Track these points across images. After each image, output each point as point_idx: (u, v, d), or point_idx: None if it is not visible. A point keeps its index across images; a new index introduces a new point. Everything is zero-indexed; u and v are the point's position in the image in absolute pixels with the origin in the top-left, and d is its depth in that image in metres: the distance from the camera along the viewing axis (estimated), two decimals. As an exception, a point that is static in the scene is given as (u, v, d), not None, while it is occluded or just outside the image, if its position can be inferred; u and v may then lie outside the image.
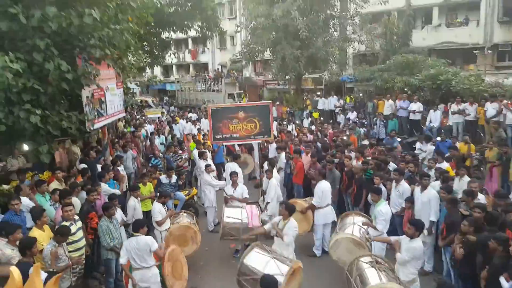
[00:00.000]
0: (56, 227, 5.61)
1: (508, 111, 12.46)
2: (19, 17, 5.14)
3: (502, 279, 4.45)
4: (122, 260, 5.31)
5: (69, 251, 5.35)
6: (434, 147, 10.57)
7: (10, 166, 7.35)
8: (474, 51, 21.11)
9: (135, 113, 21.93)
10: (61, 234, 5.14)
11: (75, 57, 6.72)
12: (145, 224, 5.60)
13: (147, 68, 20.25)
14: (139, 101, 29.31)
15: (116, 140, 11.64)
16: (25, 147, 6.91)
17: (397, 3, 22.84)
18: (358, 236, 6.30)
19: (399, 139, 12.61)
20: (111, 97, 9.87)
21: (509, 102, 12.61)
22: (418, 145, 11.41)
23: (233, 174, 7.98)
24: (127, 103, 14.42)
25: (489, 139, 12.36)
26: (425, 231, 6.45)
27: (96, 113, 8.54)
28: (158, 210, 6.79)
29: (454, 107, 13.91)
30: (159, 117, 20.50)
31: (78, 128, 7.53)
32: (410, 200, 6.97)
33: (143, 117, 19.74)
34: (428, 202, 6.63)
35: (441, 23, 23.62)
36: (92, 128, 8.25)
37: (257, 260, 5.25)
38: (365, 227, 6.46)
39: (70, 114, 6.97)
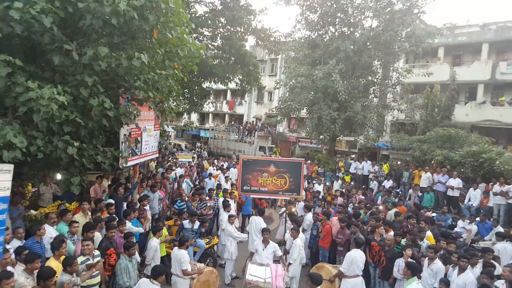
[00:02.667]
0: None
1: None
2: (73, 53, 5.45)
3: None
4: None
5: (83, 287, 5.22)
6: (477, 228, 9.91)
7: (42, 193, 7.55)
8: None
9: (168, 155, 22.46)
10: (68, 265, 5.00)
11: (119, 96, 7.06)
12: (164, 273, 5.43)
13: (185, 113, 21.05)
14: (172, 144, 30.25)
15: (146, 179, 11.80)
16: (58, 176, 7.10)
17: (441, 76, 22.93)
18: None
19: (434, 214, 11.91)
20: (147, 137, 10.18)
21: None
22: (460, 223, 10.73)
23: (265, 231, 7.69)
24: (161, 145, 14.80)
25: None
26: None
27: (130, 151, 8.80)
28: (188, 258, 6.59)
29: (496, 187, 13.20)
30: (189, 162, 20.85)
31: (111, 164, 7.71)
32: (445, 282, 6.39)
33: (174, 160, 20.11)
34: (463, 286, 6.13)
35: (486, 100, 23.29)
36: (125, 165, 8.42)
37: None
38: None
39: (106, 149, 7.17)
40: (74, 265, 5.00)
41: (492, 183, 13.68)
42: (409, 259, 6.87)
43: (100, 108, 6.02)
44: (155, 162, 17.28)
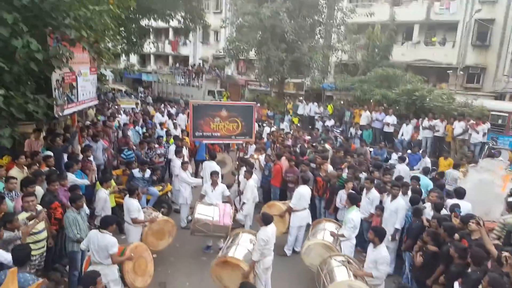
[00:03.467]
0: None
1: (473, 131, 13.13)
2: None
3: (456, 285, 4.71)
4: (83, 246, 5.25)
5: (29, 243, 5.01)
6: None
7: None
8: (447, 71, 22.04)
9: (108, 102, 21.23)
10: (7, 222, 4.78)
11: (46, 36, 6.34)
12: (115, 222, 5.34)
13: (123, 55, 19.60)
14: (111, 89, 28.44)
15: (86, 129, 11.17)
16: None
17: (382, 16, 23.42)
18: (329, 241, 6.44)
19: (371, 149, 12.92)
20: (84, 83, 9.44)
21: (475, 122, 13.33)
22: (394, 155, 11.77)
23: (214, 173, 7.82)
24: (100, 91, 13.89)
25: (454, 155, 12.97)
26: (390, 237, 6.78)
27: (66, 99, 8.15)
28: (137, 207, 6.52)
29: (425, 122, 14.51)
30: (133, 108, 19.95)
31: (45, 113, 7.11)
32: (381, 208, 7.17)
33: (116, 107, 19.10)
34: (395, 211, 6.89)
35: (420, 40, 24.51)
36: (61, 114, 7.85)
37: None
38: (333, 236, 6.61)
39: (37, 97, 6.54)
40: (14, 221, 4.78)
41: (421, 118, 14.98)
42: (350, 191, 7.51)
43: (25, 50, 5.39)
44: (94, 109, 16.31)
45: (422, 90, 16.22)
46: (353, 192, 7.33)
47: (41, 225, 5.37)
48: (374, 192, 7.57)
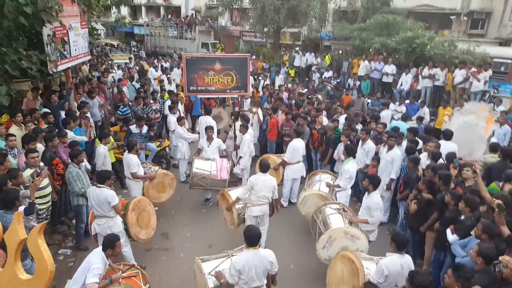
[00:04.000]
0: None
1: (474, 79, 12.95)
2: None
3: (448, 231, 4.87)
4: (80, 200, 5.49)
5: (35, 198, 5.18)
6: (405, 109, 11.00)
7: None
8: (450, 16, 21.27)
9: (102, 57, 20.76)
10: (12, 178, 4.87)
11: (34, -12, 6.08)
12: (111, 177, 5.44)
13: (113, 7, 18.83)
14: (103, 44, 27.71)
15: (81, 85, 11.05)
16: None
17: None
18: (324, 191, 6.62)
19: (369, 100, 12.88)
20: (75, 37, 9.19)
21: (476, 70, 13.04)
22: (391, 106, 11.75)
23: (209, 128, 7.87)
24: (93, 45, 13.54)
25: (453, 104, 12.90)
26: (385, 187, 6.99)
27: (58, 54, 8.00)
28: (136, 162, 6.64)
29: (425, 71, 14.30)
30: (126, 63, 19.54)
31: (40, 70, 7.03)
32: (377, 159, 7.30)
33: (110, 62, 18.70)
34: (391, 161, 7.00)
35: (423, -16, 23.36)
36: (55, 70, 7.74)
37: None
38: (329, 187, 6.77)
39: (30, 53, 6.45)
40: (19, 177, 4.88)
41: (421, 67, 14.73)
42: (348, 143, 7.59)
43: (13, 3, 5.25)
44: (88, 65, 16.02)
45: (423, 38, 15.78)
46: (349, 144, 7.38)
47: (45, 181, 5.52)
48: (369, 143, 7.63)
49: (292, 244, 6.54)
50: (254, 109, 9.75)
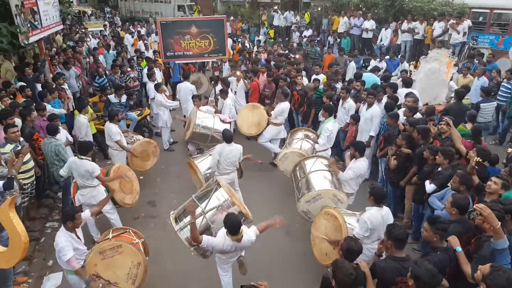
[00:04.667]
0: None
1: (454, 31, 12.96)
2: None
3: (426, 182, 5.09)
4: (62, 172, 5.36)
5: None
6: (386, 65, 11.06)
7: None
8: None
9: (75, 25, 19.85)
10: None
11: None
12: (92, 148, 5.43)
13: (84, -28, 17.88)
14: (76, 11, 26.42)
15: (56, 56, 10.67)
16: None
17: None
18: (305, 150, 6.73)
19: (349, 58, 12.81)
20: (45, 6, 8.78)
21: (455, 22, 13.01)
22: (372, 62, 11.77)
23: (195, 97, 7.84)
24: (64, 14, 12.95)
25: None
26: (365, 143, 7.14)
27: (29, 25, 7.67)
28: (116, 130, 6.62)
29: (405, 25, 14.24)
30: (101, 31, 18.78)
31: (11, 43, 6.78)
32: (354, 117, 7.39)
33: (83, 31, 17.95)
34: (370, 119, 7.10)
35: None
36: (26, 42, 7.47)
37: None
38: (310, 141, 6.85)
39: (-1, 25, 6.21)
40: None
41: (400, 21, 14.64)
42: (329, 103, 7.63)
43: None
44: (61, 35, 15.37)
45: (402, -10, 15.54)
46: (329, 103, 7.35)
47: (27, 156, 5.46)
48: (350, 102, 7.67)
49: (273, 203, 6.71)
50: (238, 73, 9.35)
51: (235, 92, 9.05)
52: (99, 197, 5.24)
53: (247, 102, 9.29)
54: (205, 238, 3.87)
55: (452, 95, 8.11)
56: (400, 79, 8.97)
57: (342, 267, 2.99)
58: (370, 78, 9.17)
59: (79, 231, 4.15)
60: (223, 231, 3.92)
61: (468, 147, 5.52)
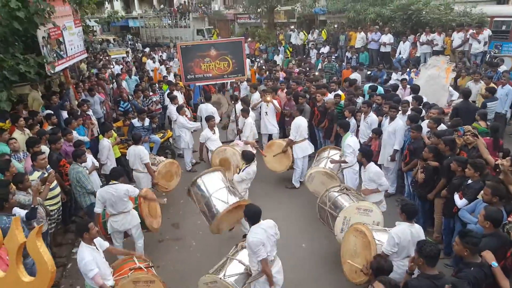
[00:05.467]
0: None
1: (474, 41, 12.72)
2: None
3: (456, 196, 4.89)
4: (97, 210, 5.21)
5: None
6: (407, 77, 10.94)
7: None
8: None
9: (99, 53, 20.69)
10: (19, 182, 4.84)
11: (24, -7, 6.11)
12: (124, 174, 5.50)
13: (106, 3, 18.72)
14: (99, 40, 27.64)
15: (81, 83, 11.09)
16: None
17: None
18: (329, 169, 6.64)
19: (369, 72, 12.74)
20: (70, 37, 9.23)
21: (475, 31, 12.77)
22: (394, 75, 11.65)
23: (209, 118, 7.89)
24: (88, 43, 13.53)
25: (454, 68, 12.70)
26: (389, 158, 7.05)
27: (55, 55, 8.03)
28: (147, 153, 6.79)
29: (423, 37, 14.11)
30: (123, 57, 19.49)
31: (38, 73, 7.10)
32: (377, 131, 7.28)
33: (107, 58, 18.68)
34: (393, 132, 6.97)
35: None
36: (53, 72, 7.78)
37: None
38: (333, 164, 6.74)
39: (27, 57, 6.52)
40: (25, 181, 4.85)
41: (419, 33, 14.49)
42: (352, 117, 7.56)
43: (5, 9, 5.31)
44: (86, 63, 16.01)
45: (418, 3, 15.44)
46: (343, 121, 7.20)
47: (53, 182, 5.59)
48: (372, 116, 7.59)
49: (303, 225, 6.59)
50: (268, 98, 8.67)
51: (266, 112, 8.86)
52: (134, 220, 5.28)
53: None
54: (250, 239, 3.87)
55: (453, 98, 8.85)
56: (400, 86, 9.66)
57: None
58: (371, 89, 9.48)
59: (97, 242, 4.14)
60: (254, 227, 3.96)
61: (488, 144, 5.55)
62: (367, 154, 5.52)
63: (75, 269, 5.50)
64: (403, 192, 7.24)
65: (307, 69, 13.46)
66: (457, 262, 3.90)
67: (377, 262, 3.37)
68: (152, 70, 15.39)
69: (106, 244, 4.41)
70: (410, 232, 4.02)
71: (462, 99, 7.85)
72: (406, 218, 4.11)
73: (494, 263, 3.32)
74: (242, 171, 5.94)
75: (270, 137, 9.05)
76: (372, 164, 5.50)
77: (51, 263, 1.86)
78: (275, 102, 8.85)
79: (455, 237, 3.55)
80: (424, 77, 9.61)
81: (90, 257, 3.84)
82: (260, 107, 9.01)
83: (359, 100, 8.81)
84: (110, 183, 5.14)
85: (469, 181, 4.84)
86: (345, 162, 6.48)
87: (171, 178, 7.18)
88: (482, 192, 4.37)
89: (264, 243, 3.86)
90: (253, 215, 4.01)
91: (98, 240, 4.20)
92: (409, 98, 8.30)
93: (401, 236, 3.98)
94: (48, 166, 5.75)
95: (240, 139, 8.35)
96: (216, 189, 5.39)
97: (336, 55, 16.99)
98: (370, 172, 5.44)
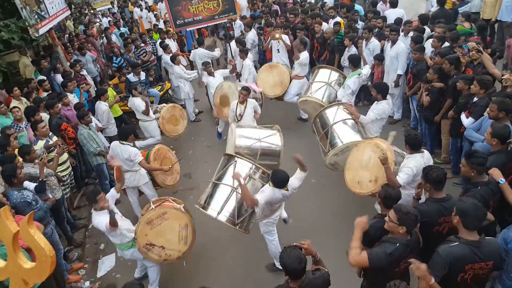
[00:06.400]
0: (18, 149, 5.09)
1: None
2: None
3: (462, 116, 4.82)
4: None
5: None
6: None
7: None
8: None
9: (84, 8, 19.66)
10: (25, 154, 4.82)
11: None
12: (132, 131, 5.40)
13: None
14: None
15: (69, 43, 10.70)
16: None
17: None
18: (327, 101, 6.47)
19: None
20: (49, -6, 8.67)
21: None
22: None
23: (205, 64, 7.66)
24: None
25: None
26: (393, 84, 6.86)
27: (36, 16, 7.63)
28: (140, 102, 6.80)
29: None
30: (109, 8, 18.52)
31: (22, 38, 6.81)
32: (378, 57, 7.04)
33: (92, 11, 17.79)
34: (396, 57, 6.76)
35: None
36: (37, 35, 7.47)
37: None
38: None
39: (7, 22, 6.21)
40: (31, 152, 4.85)
41: None
42: (351, 53, 7.14)
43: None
44: (71, 20, 15.32)
45: None
46: (354, 54, 6.90)
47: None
48: (374, 41, 7.32)
49: (311, 159, 6.45)
50: (277, 35, 8.11)
51: (278, 50, 8.29)
52: (142, 179, 5.39)
53: (270, 57, 8.87)
54: (259, 197, 3.97)
55: (431, 8, 9.09)
56: (381, 2, 9.59)
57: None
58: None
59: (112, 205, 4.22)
60: (267, 187, 4.04)
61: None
62: (382, 89, 5.27)
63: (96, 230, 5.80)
64: (409, 117, 7.16)
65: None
66: (466, 181, 3.93)
67: (385, 191, 3.39)
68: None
69: (116, 194, 4.46)
70: (423, 162, 3.98)
71: (438, 7, 8.22)
72: (411, 149, 4.05)
73: (502, 180, 3.33)
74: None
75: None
76: (385, 101, 5.25)
77: (48, 248, 1.90)
78: (286, 38, 8.24)
79: (463, 157, 3.53)
80: None
81: (99, 217, 3.99)
82: (272, 45, 8.42)
83: (359, 25, 8.36)
84: (121, 141, 5.22)
85: (475, 99, 4.73)
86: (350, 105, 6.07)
87: (177, 121, 7.22)
88: (488, 108, 4.26)
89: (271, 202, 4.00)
90: (280, 181, 3.96)
91: (109, 196, 4.28)
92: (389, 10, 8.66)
93: (419, 167, 3.92)
94: (51, 133, 5.74)
95: (240, 82, 8.15)
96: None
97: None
98: (379, 106, 5.24)
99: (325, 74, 6.82)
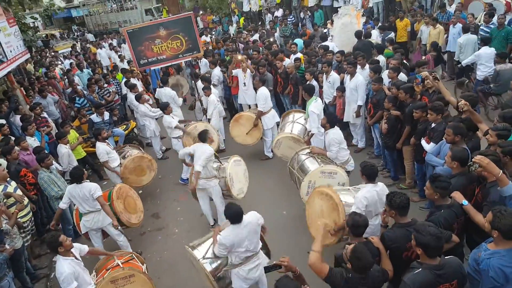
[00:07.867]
0: None
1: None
2: None
3: (423, 142, 5.01)
4: (62, 205, 5.12)
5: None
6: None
7: None
8: None
9: (45, 51, 19.43)
10: None
11: None
12: (83, 172, 5.21)
13: (41, -4, 17.38)
14: (43, 35, 25.96)
15: (29, 86, 10.43)
16: None
17: None
18: (296, 133, 6.66)
19: (325, 30, 12.64)
20: (6, 38, 8.62)
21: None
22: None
23: (165, 106, 7.45)
24: (28, 42, 12.65)
25: (407, 14, 12.81)
26: (354, 114, 7.12)
27: (-6, 61, 7.48)
28: (103, 149, 6.48)
29: (373, -13, 14.04)
30: (71, 51, 18.42)
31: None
32: (340, 89, 7.31)
33: (53, 53, 17.59)
34: (355, 88, 7.01)
35: None
36: (-5, 78, 7.28)
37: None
38: (299, 129, 6.79)
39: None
40: None
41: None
42: (313, 80, 7.44)
43: None
44: (32, 63, 15.04)
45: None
46: (307, 84, 7.07)
47: (19, 193, 5.35)
48: (333, 75, 7.55)
49: (281, 192, 6.64)
50: (239, 57, 8.18)
51: (244, 83, 8.36)
52: (106, 220, 5.12)
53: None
54: (220, 238, 3.74)
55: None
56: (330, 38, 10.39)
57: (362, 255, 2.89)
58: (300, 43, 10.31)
59: (75, 252, 4.00)
60: (229, 227, 3.81)
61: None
62: (330, 119, 5.49)
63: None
64: (372, 145, 7.40)
65: (265, 35, 13.25)
66: (432, 204, 4.04)
67: (352, 219, 3.43)
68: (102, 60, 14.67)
69: (86, 248, 4.25)
70: (376, 192, 4.05)
71: (357, 40, 9.14)
72: (367, 179, 4.14)
73: (464, 202, 3.43)
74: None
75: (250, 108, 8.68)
76: (332, 130, 5.46)
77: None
78: (248, 62, 8.44)
79: (428, 180, 3.64)
80: (338, 26, 10.29)
81: (68, 270, 3.70)
82: (237, 79, 8.55)
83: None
84: (77, 183, 4.99)
85: (433, 125, 4.94)
86: (312, 135, 6.41)
87: (143, 172, 6.89)
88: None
89: (234, 244, 3.74)
90: (234, 215, 3.74)
91: (77, 246, 4.07)
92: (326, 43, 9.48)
93: (368, 196, 4.00)
94: (13, 182, 5.44)
95: (206, 118, 8.19)
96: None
97: (291, 16, 16.72)
98: (328, 137, 5.47)
99: (290, 116, 7.18)
